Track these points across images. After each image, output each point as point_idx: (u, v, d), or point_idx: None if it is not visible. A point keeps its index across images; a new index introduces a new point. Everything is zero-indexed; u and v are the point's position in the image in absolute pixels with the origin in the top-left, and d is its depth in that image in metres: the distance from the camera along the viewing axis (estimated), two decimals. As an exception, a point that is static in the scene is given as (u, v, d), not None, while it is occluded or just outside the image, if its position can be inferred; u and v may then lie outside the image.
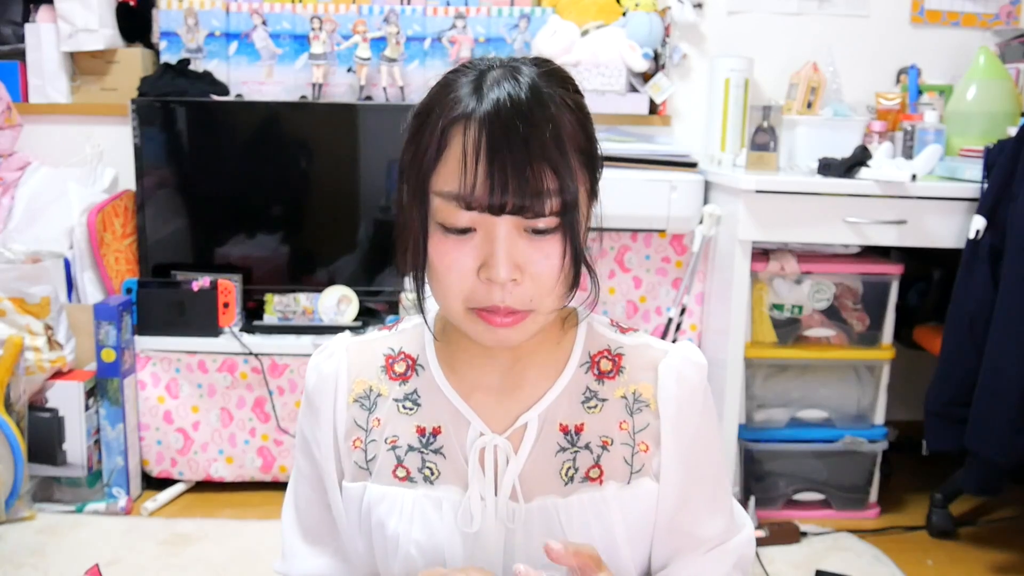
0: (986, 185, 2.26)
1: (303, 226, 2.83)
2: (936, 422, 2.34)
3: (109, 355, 2.46)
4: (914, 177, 2.31)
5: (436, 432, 0.92)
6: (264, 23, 2.82)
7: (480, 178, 0.78)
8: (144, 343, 2.57)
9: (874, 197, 2.34)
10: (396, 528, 0.89)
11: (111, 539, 2.34)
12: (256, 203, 2.80)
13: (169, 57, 2.82)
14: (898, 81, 2.90)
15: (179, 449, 2.62)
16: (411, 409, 0.93)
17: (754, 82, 2.83)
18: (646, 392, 0.92)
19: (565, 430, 0.91)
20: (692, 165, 2.65)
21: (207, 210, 2.78)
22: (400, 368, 0.95)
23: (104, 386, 2.49)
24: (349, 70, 2.84)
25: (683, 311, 2.67)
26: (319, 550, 0.99)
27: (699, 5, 2.86)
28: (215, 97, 2.74)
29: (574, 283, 0.85)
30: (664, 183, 2.58)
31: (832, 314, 2.54)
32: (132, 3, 2.82)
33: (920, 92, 2.79)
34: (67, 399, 2.46)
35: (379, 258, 2.78)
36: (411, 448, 0.91)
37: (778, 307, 2.51)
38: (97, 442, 2.52)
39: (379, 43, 2.81)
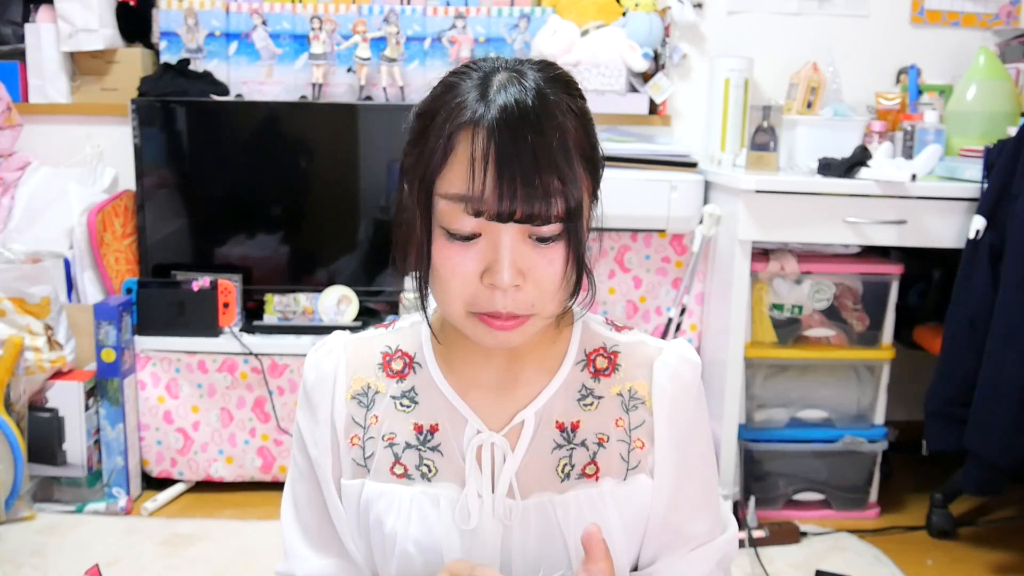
0: (986, 185, 2.26)
1: (303, 226, 2.83)
2: (936, 422, 2.34)
3: (109, 355, 2.46)
4: (914, 177, 2.31)
5: (433, 430, 0.92)
6: (264, 23, 2.82)
7: (489, 186, 0.79)
8: (144, 343, 2.58)
9: (874, 197, 2.34)
10: (394, 525, 0.90)
11: (111, 539, 2.34)
12: (256, 203, 2.80)
13: (169, 57, 2.82)
14: (898, 81, 2.90)
15: (179, 449, 2.62)
16: (408, 407, 0.93)
17: (754, 82, 2.83)
18: (641, 389, 0.93)
19: (561, 427, 0.92)
20: (692, 165, 2.65)
21: (207, 210, 2.79)
22: (398, 366, 0.95)
23: (104, 386, 2.49)
24: (349, 70, 2.84)
25: (683, 311, 2.67)
26: (322, 550, 0.98)
27: (699, 5, 2.86)
28: (215, 97, 2.74)
29: (576, 288, 0.86)
30: (664, 183, 2.58)
31: (832, 314, 2.54)
32: (132, 3, 2.83)
33: (920, 92, 2.79)
34: (67, 399, 2.46)
35: (379, 258, 2.78)
36: (409, 445, 0.92)
37: (778, 307, 2.51)
38: (97, 442, 2.52)
39: (379, 43, 2.81)
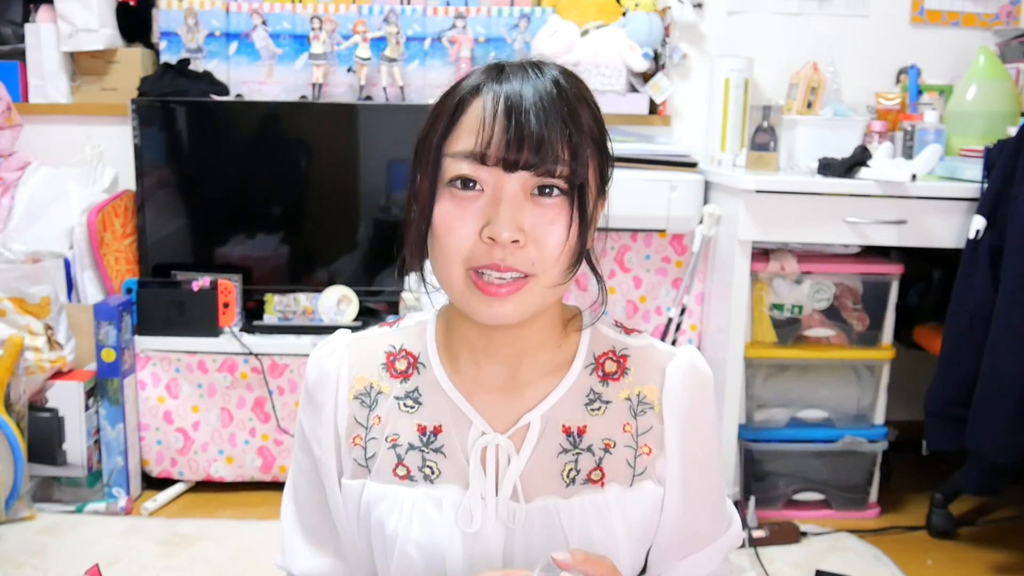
0: (986, 185, 2.26)
1: (303, 226, 2.83)
2: (936, 422, 2.34)
3: (109, 355, 2.46)
4: (914, 177, 2.31)
5: (437, 431, 0.91)
6: (264, 23, 2.82)
7: (497, 135, 0.81)
8: (144, 343, 2.57)
9: (874, 197, 2.34)
10: (395, 527, 0.89)
11: (111, 539, 2.33)
12: (256, 203, 2.80)
13: (169, 57, 2.82)
14: (898, 81, 2.90)
15: (179, 449, 2.61)
16: (412, 407, 0.93)
17: (754, 82, 2.83)
18: (651, 394, 0.92)
19: (568, 432, 0.91)
20: (692, 165, 2.65)
21: (207, 210, 2.78)
22: (401, 366, 0.95)
23: (104, 386, 2.49)
24: (349, 70, 2.84)
25: (683, 311, 2.67)
26: (320, 549, 0.98)
27: (699, 5, 2.86)
28: (215, 97, 2.74)
29: (578, 258, 0.86)
30: (664, 183, 2.58)
31: (832, 314, 2.54)
32: (132, 3, 2.82)
33: (920, 92, 2.79)
34: (67, 399, 2.46)
35: (379, 258, 2.78)
36: (411, 447, 0.91)
37: (778, 307, 2.51)
38: (97, 442, 2.52)
39: (379, 43, 2.81)
